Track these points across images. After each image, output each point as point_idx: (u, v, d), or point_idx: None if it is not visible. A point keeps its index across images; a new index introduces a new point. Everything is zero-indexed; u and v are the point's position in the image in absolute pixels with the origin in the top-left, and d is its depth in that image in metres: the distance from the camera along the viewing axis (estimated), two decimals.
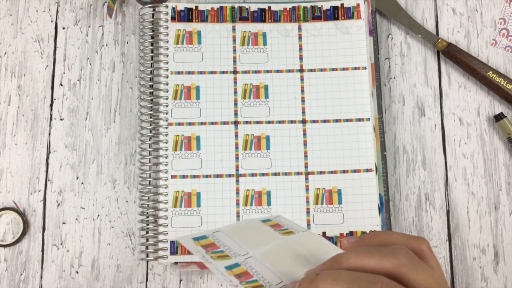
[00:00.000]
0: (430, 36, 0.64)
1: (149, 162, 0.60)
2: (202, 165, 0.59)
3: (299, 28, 0.62)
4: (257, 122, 0.60)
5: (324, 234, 0.57)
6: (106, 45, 0.65)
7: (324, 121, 0.60)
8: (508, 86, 0.61)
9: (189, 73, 0.61)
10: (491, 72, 0.62)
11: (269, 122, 0.60)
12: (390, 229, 0.59)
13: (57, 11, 0.66)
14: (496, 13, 0.66)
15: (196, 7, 0.63)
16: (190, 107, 0.60)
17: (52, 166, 0.62)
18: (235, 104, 0.60)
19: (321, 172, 0.59)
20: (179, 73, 0.61)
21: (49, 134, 0.63)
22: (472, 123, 0.63)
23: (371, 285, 0.31)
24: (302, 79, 0.61)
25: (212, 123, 0.60)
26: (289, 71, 0.61)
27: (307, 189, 0.58)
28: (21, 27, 0.65)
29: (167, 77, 0.61)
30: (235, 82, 0.61)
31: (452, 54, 0.63)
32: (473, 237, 0.61)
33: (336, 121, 0.60)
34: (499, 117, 0.61)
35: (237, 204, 0.58)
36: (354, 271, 0.32)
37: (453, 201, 0.61)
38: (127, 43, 0.65)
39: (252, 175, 0.59)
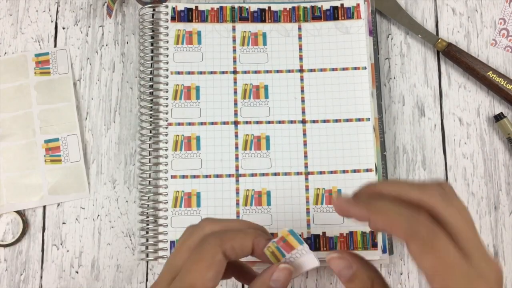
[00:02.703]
0: (430, 36, 0.64)
1: (149, 162, 0.60)
2: (202, 165, 0.59)
3: (299, 28, 0.62)
4: (257, 122, 0.60)
5: (324, 234, 0.57)
6: (106, 45, 0.65)
7: (324, 121, 0.60)
8: (508, 86, 0.61)
9: (189, 73, 0.61)
10: (491, 72, 0.62)
11: (269, 122, 0.60)
12: None
13: (57, 11, 0.66)
14: (496, 13, 0.66)
15: (196, 7, 0.63)
16: (190, 107, 0.60)
17: None
18: (235, 104, 0.60)
19: (321, 172, 0.59)
20: (179, 73, 0.61)
21: None
22: (472, 123, 0.63)
23: (415, 222, 0.33)
24: (302, 79, 0.61)
25: (212, 123, 0.60)
26: (289, 71, 0.61)
27: (307, 189, 0.58)
28: (21, 27, 0.65)
29: (167, 77, 0.61)
30: (235, 82, 0.61)
31: (452, 54, 0.63)
32: None
33: (336, 121, 0.60)
34: (499, 117, 0.61)
35: (237, 204, 0.58)
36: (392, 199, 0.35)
37: None
38: (127, 43, 0.65)
39: (252, 175, 0.59)
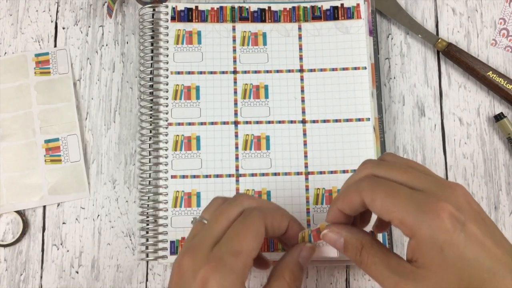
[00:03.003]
0: (430, 36, 0.64)
1: (149, 162, 0.60)
2: (202, 165, 0.59)
3: (299, 28, 0.62)
4: (257, 122, 0.60)
5: None
6: (106, 45, 0.65)
7: (324, 121, 0.60)
8: (508, 86, 0.61)
9: (189, 73, 0.61)
10: (491, 72, 0.62)
11: (269, 122, 0.60)
12: (390, 229, 0.59)
13: (57, 11, 0.66)
14: (496, 13, 0.66)
15: (196, 7, 0.63)
16: (190, 107, 0.60)
17: None
18: (235, 104, 0.60)
19: (321, 172, 0.59)
20: (179, 73, 0.61)
21: None
22: (472, 123, 0.63)
23: None
24: (302, 79, 0.61)
25: (212, 123, 0.60)
26: (289, 71, 0.61)
27: (307, 189, 0.58)
28: (21, 27, 0.65)
29: (167, 77, 0.61)
30: (235, 82, 0.61)
31: (452, 54, 0.63)
32: None
33: (336, 121, 0.60)
34: (499, 117, 0.61)
35: None
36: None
37: None
38: (127, 43, 0.65)
39: (252, 175, 0.59)
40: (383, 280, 0.38)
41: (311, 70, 0.61)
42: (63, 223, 0.61)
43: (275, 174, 0.59)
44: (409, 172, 0.40)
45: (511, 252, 0.36)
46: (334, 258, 0.45)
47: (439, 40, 0.63)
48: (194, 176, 0.59)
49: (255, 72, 0.61)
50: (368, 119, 0.60)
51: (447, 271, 0.36)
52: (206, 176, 0.59)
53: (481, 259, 0.35)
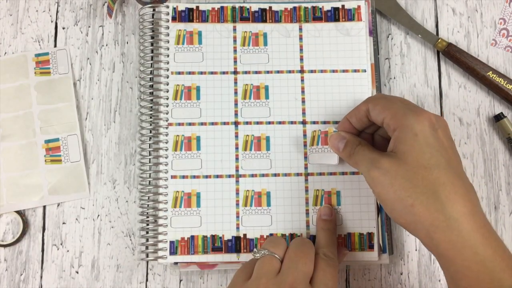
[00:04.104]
0: (430, 36, 0.64)
1: (149, 162, 0.60)
2: (202, 166, 0.59)
3: (300, 29, 0.62)
4: (257, 123, 0.60)
5: None
6: (106, 45, 0.65)
7: (324, 122, 0.60)
8: (508, 86, 0.61)
9: (189, 73, 0.61)
10: (491, 72, 0.62)
11: (269, 122, 0.60)
12: (390, 230, 0.59)
13: (57, 11, 0.66)
14: (496, 13, 0.66)
15: (197, 7, 0.63)
16: (190, 107, 0.60)
17: None
18: (236, 104, 0.60)
19: (320, 174, 0.59)
20: (179, 73, 0.61)
21: None
22: (472, 123, 0.63)
23: None
24: (302, 80, 0.61)
25: (212, 124, 0.60)
26: (290, 71, 0.61)
27: (306, 190, 0.58)
28: (21, 27, 0.65)
29: (168, 77, 0.61)
30: (235, 83, 0.61)
31: (452, 54, 0.63)
32: None
33: (336, 122, 0.60)
34: (499, 117, 0.61)
35: (237, 204, 0.58)
36: None
37: None
38: (127, 43, 0.65)
39: (252, 175, 0.59)
40: (365, 160, 0.49)
41: (311, 71, 0.61)
42: (63, 223, 0.61)
43: (275, 175, 0.59)
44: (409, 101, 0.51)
45: (461, 165, 0.47)
46: (333, 165, 0.57)
47: (439, 40, 0.63)
48: (194, 177, 0.59)
49: (256, 72, 0.61)
50: None
51: (416, 152, 0.45)
52: (206, 177, 0.59)
53: (442, 154, 0.46)
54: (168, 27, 0.62)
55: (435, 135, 0.46)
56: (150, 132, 0.60)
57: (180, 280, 0.60)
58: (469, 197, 0.44)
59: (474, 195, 0.45)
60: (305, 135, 0.59)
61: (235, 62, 0.61)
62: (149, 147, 0.60)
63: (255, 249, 0.51)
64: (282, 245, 0.51)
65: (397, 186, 0.45)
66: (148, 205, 0.59)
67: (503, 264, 0.42)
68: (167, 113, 0.60)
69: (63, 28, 0.65)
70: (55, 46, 0.65)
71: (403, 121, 0.47)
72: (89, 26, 0.65)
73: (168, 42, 0.62)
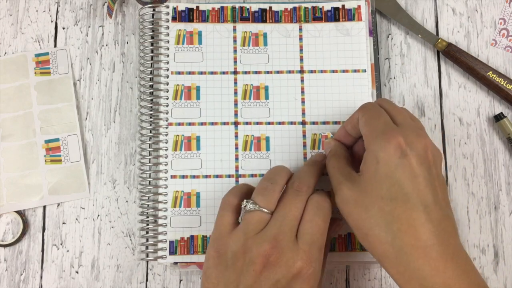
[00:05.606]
0: (430, 36, 0.64)
1: (149, 162, 0.60)
2: (202, 166, 0.59)
3: (300, 29, 0.62)
4: (257, 123, 0.60)
5: None
6: (106, 45, 0.65)
7: (324, 122, 0.60)
8: (508, 86, 0.61)
9: (189, 73, 0.61)
10: (491, 72, 0.62)
11: (269, 123, 0.60)
12: None
13: (57, 11, 0.66)
14: (496, 13, 0.66)
15: (197, 7, 0.63)
16: (190, 107, 0.60)
17: None
18: (235, 104, 0.60)
19: None
20: (179, 73, 0.61)
21: None
22: (472, 123, 0.63)
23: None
24: (302, 80, 0.61)
25: (212, 124, 0.60)
26: (290, 72, 0.61)
27: None
28: (21, 27, 0.65)
29: (168, 77, 0.61)
30: (235, 83, 0.61)
31: (452, 54, 0.63)
32: (473, 237, 0.61)
33: (336, 123, 0.60)
34: (499, 117, 0.61)
35: None
36: None
37: (453, 201, 0.61)
38: (127, 43, 0.65)
39: (252, 175, 0.59)
40: (333, 179, 0.49)
41: (311, 71, 0.61)
42: (63, 223, 0.61)
43: None
44: (401, 112, 0.50)
45: (434, 195, 0.45)
46: None
47: (439, 40, 0.63)
48: (194, 176, 0.59)
49: (256, 72, 0.61)
50: None
51: (375, 181, 0.45)
52: (206, 177, 0.59)
53: (404, 185, 0.44)
54: (168, 27, 0.62)
55: (402, 163, 0.45)
56: (150, 132, 0.60)
57: (180, 280, 0.60)
58: (431, 228, 0.43)
59: (446, 224, 0.44)
60: (304, 136, 0.59)
61: (235, 62, 0.61)
62: (149, 147, 0.60)
63: (245, 201, 0.49)
64: (274, 196, 0.49)
65: (355, 214, 0.46)
66: (148, 205, 0.59)
67: None
68: (167, 113, 0.60)
69: (63, 28, 0.65)
70: (55, 46, 0.65)
71: (370, 144, 0.47)
72: (89, 26, 0.65)
73: (168, 42, 0.62)
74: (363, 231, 0.45)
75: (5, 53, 0.64)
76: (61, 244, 0.61)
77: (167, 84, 0.60)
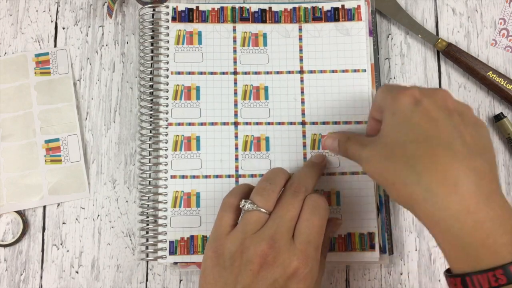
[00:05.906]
0: (430, 36, 0.64)
1: (149, 162, 0.60)
2: (202, 166, 0.59)
3: (300, 29, 0.62)
4: (257, 123, 0.60)
5: None
6: (106, 45, 0.65)
7: (323, 123, 0.60)
8: (508, 86, 0.61)
9: (189, 73, 0.61)
10: (491, 72, 0.62)
11: (269, 123, 0.60)
12: (390, 230, 0.59)
13: (57, 11, 0.66)
14: (496, 13, 0.66)
15: (197, 7, 0.63)
16: (190, 107, 0.60)
17: None
18: (235, 105, 0.60)
19: None
20: (179, 73, 0.61)
21: None
22: None
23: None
24: (302, 81, 0.61)
25: (212, 124, 0.60)
26: (289, 72, 0.61)
27: None
28: (21, 27, 0.65)
29: (167, 77, 0.61)
30: (235, 83, 0.61)
31: (452, 54, 0.63)
32: None
33: (336, 123, 0.60)
34: (499, 117, 0.61)
35: None
36: None
37: None
38: (127, 43, 0.65)
39: (252, 176, 0.59)
40: (354, 155, 0.49)
41: (311, 72, 0.61)
42: (63, 223, 0.61)
43: None
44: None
45: (460, 137, 0.42)
46: (335, 167, 0.58)
47: (439, 40, 0.63)
48: (194, 177, 0.59)
49: (255, 73, 0.61)
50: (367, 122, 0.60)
51: (393, 131, 0.45)
52: (206, 177, 0.59)
53: (423, 127, 0.43)
54: (168, 27, 0.62)
55: (418, 109, 0.44)
56: (150, 132, 0.60)
57: (180, 280, 0.60)
58: (459, 167, 0.41)
59: (478, 165, 0.41)
60: (304, 136, 0.59)
61: (234, 62, 0.61)
62: (149, 147, 0.60)
63: (243, 201, 0.49)
64: (272, 196, 0.50)
65: (380, 169, 0.45)
66: (148, 205, 0.59)
67: (483, 239, 0.40)
68: (167, 113, 0.60)
69: (63, 28, 0.65)
70: (55, 46, 0.65)
71: (383, 105, 0.47)
72: (89, 26, 0.65)
73: (168, 42, 0.62)
74: (389, 181, 0.44)
75: (5, 53, 0.64)
76: (61, 244, 0.61)
77: (167, 84, 0.61)
